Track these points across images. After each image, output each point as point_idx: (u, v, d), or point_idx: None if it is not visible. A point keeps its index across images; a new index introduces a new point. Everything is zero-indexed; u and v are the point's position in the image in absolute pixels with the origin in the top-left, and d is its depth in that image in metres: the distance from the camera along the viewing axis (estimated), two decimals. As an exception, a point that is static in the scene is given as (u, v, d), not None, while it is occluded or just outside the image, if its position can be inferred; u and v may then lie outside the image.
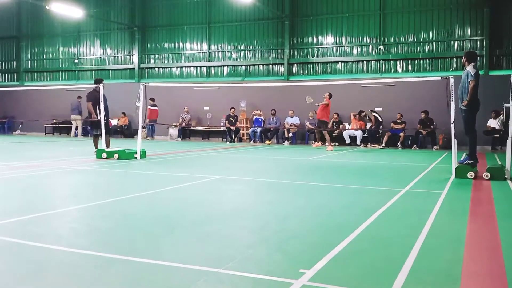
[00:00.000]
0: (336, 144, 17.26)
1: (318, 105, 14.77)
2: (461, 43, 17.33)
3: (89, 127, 13.23)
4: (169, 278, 2.86)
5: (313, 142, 16.32)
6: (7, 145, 15.48)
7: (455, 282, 2.84)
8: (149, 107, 20.10)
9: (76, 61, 23.79)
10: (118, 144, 13.63)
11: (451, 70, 17.15)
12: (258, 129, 18.66)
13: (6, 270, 2.99)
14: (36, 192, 6.21)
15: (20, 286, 2.73)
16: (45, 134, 23.36)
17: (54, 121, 22.92)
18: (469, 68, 8.04)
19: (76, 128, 21.67)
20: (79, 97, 20.66)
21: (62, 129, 22.91)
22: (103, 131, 10.89)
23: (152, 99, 19.77)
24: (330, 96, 14.64)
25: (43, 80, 24.80)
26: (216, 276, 2.87)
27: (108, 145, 10.98)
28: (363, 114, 17.25)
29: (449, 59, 17.48)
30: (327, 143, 14.74)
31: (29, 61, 25.14)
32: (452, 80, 8.07)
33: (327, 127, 14.99)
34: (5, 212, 4.78)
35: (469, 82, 7.91)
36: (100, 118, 10.98)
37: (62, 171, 8.38)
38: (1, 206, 5.23)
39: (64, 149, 14.07)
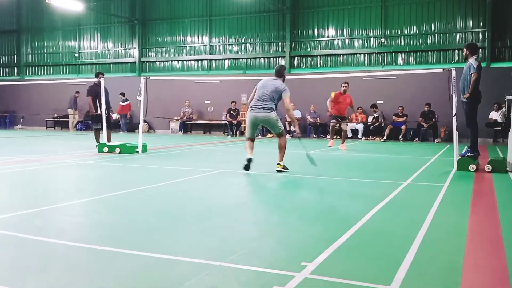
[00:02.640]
0: (337, 137, 17.24)
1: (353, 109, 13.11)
2: (463, 35, 17.26)
3: (90, 121, 13.29)
4: (172, 271, 2.87)
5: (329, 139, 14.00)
6: (9, 139, 15.50)
7: (457, 274, 2.85)
8: (120, 103, 20.20)
9: (76, 55, 23.75)
10: (119, 138, 13.64)
11: (453, 62, 17.09)
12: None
13: (10, 264, 3.01)
14: (39, 186, 6.23)
15: (24, 280, 2.74)
16: (46, 128, 23.38)
17: (55, 115, 22.93)
18: (471, 60, 8.00)
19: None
20: (77, 92, 20.83)
21: (63, 123, 22.92)
22: (105, 125, 10.90)
23: (123, 94, 19.97)
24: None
25: (44, 74, 24.77)
26: (218, 269, 2.89)
27: (109, 139, 10.99)
28: (376, 109, 17.06)
29: (451, 51, 17.41)
30: (340, 140, 12.82)
31: (30, 55, 25.10)
32: (454, 73, 8.03)
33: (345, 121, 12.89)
34: (8, 207, 4.80)
35: (471, 74, 7.88)
36: (101, 112, 10.99)
37: (64, 165, 8.40)
38: (5, 200, 5.25)
39: (66, 143, 14.09)
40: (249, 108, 7.59)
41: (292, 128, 18.23)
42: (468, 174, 7.50)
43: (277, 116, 7.59)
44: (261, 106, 7.38)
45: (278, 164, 7.51)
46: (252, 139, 7.70)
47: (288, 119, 18.24)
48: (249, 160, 7.46)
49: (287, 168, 7.51)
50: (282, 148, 7.51)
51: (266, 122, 7.54)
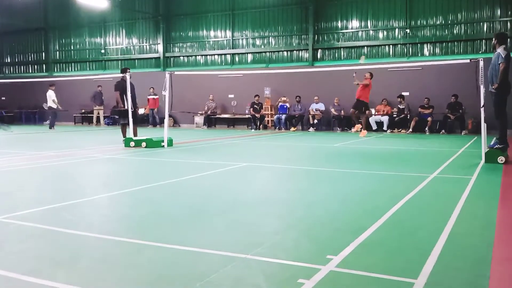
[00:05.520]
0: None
1: (358, 84, 13.12)
2: (491, 25, 16.78)
3: (117, 116, 13.57)
4: (198, 264, 2.92)
5: (353, 127, 15.29)
6: (39, 134, 15.91)
7: (485, 267, 2.81)
8: (151, 96, 20.79)
9: (102, 51, 24.14)
10: (145, 132, 13.84)
11: (480, 52, 16.66)
12: (283, 116, 18.62)
13: (41, 256, 3.11)
14: (68, 180, 6.39)
15: (55, 271, 2.83)
16: (74, 123, 23.89)
17: (83, 110, 23.41)
18: (500, 50, 7.84)
19: (97, 118, 22.43)
20: (99, 86, 21.54)
21: (90, 118, 23.38)
22: (131, 120, 11.07)
23: (153, 88, 20.61)
24: (371, 75, 13.14)
25: (71, 70, 25.30)
26: (244, 261, 2.92)
27: (135, 134, 11.16)
28: (402, 100, 16.79)
29: (478, 41, 16.96)
30: (360, 127, 13.30)
31: (57, 52, 25.65)
32: (481, 63, 7.86)
33: (366, 109, 13.35)
34: (38, 200, 4.95)
35: (499, 64, 7.73)
36: (128, 107, 11.16)
37: (92, 159, 8.58)
38: (35, 194, 5.41)
39: (93, 138, 14.38)
40: None
41: (315, 121, 18.15)
42: (496, 166, 7.34)
43: None
44: None
45: None
46: None
47: (312, 112, 18.18)
48: None
49: None
50: None
51: None
